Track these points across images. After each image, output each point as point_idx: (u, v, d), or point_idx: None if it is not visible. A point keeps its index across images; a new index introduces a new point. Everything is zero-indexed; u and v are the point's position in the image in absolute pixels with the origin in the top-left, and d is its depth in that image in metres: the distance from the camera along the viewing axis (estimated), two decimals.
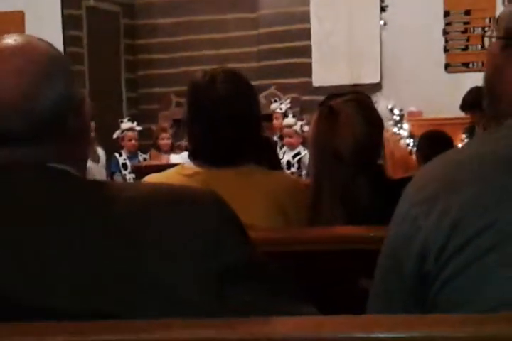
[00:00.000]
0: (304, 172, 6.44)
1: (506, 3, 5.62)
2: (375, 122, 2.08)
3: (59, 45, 7.35)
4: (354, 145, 1.98)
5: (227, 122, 1.81)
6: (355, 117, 2.02)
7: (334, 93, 2.19)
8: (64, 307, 0.92)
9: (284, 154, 6.61)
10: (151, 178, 1.93)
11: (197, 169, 1.85)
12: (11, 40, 1.08)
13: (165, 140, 7.07)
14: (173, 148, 7.06)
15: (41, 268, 0.94)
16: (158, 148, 7.22)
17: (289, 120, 6.77)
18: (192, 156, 1.89)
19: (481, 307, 0.88)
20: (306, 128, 6.70)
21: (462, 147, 1.04)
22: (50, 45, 1.12)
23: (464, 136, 6.05)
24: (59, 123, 1.06)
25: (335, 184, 1.97)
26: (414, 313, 0.96)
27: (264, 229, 1.74)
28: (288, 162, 6.54)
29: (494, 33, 1.08)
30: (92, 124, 5.94)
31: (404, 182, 1.04)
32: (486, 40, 8.23)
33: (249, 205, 1.76)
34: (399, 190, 1.04)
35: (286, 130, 6.71)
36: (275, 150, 3.86)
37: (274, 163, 3.32)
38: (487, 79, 1.11)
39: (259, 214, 1.77)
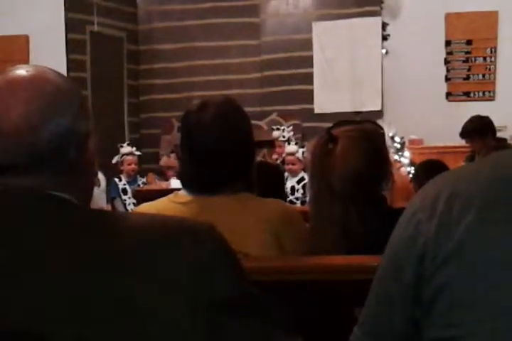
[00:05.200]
0: (308, 197, 6.42)
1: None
2: (374, 154, 2.00)
3: (62, 70, 7.41)
4: (347, 177, 1.94)
5: (215, 150, 1.81)
6: (352, 148, 1.97)
7: (343, 120, 2.13)
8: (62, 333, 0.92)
9: (287, 180, 6.60)
10: (144, 207, 1.91)
11: (190, 197, 1.85)
12: (23, 70, 1.08)
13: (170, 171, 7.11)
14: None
15: (38, 294, 0.95)
16: (165, 178, 7.23)
17: (291, 147, 6.78)
18: (182, 184, 1.89)
19: (480, 312, 0.91)
20: (307, 155, 6.71)
21: (469, 164, 1.10)
22: (63, 77, 1.11)
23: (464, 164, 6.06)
24: (60, 156, 1.06)
25: (332, 214, 1.95)
26: (413, 313, 0.99)
27: (260, 258, 1.73)
28: (292, 187, 6.53)
29: None
30: None
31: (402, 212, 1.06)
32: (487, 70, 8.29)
33: (245, 233, 1.76)
34: (397, 219, 1.06)
35: (288, 157, 6.71)
36: (283, 178, 3.85)
37: (280, 192, 3.30)
38: None
39: (254, 241, 1.76)
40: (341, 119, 2.19)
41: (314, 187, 2.04)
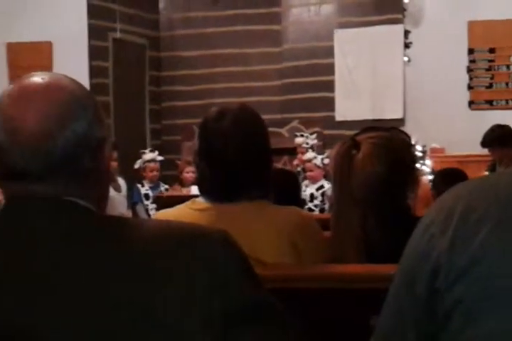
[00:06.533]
0: (327, 205, 6.41)
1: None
2: (396, 162, 1.96)
3: (85, 76, 7.47)
4: (365, 183, 1.92)
5: (232, 157, 1.82)
6: (372, 155, 1.94)
7: (370, 126, 2.11)
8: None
9: (306, 187, 6.59)
10: (162, 214, 1.93)
11: (208, 204, 1.85)
12: (38, 78, 1.08)
13: (190, 173, 7.01)
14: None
15: (55, 301, 0.95)
16: (182, 183, 7.22)
17: (309, 154, 6.78)
18: (200, 191, 1.90)
19: (495, 327, 0.90)
20: (327, 161, 6.70)
21: (487, 176, 1.07)
22: (78, 84, 1.11)
23: (486, 173, 6.02)
24: (75, 163, 1.06)
25: (352, 221, 1.94)
26: (427, 326, 0.97)
27: (276, 266, 1.72)
28: (311, 195, 6.52)
29: None
30: (114, 154, 6.02)
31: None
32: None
33: (261, 240, 1.75)
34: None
35: (307, 164, 6.72)
36: (298, 184, 3.85)
37: (295, 197, 3.30)
38: None
39: (270, 249, 1.76)
40: (369, 126, 2.16)
41: (336, 193, 2.02)
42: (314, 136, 7.70)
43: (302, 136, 7.62)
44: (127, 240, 1.01)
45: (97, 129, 1.09)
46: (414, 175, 2.06)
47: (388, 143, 1.99)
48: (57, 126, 1.04)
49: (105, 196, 1.18)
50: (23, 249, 1.00)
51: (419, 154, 7.25)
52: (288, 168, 7.38)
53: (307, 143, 7.38)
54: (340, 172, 1.98)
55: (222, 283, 0.99)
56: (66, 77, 1.12)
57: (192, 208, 1.85)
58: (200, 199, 1.88)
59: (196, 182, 1.97)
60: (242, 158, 1.82)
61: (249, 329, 0.99)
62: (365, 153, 1.95)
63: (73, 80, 1.12)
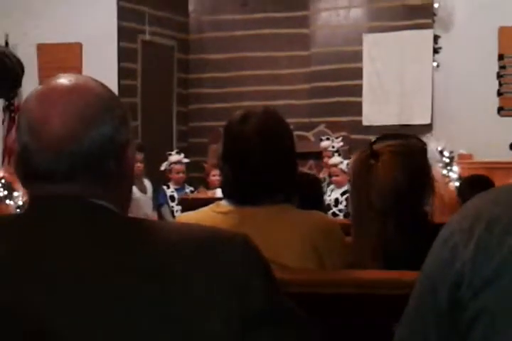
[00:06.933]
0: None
1: None
2: (416, 171, 2.00)
3: (114, 77, 7.53)
4: (386, 193, 1.94)
5: (256, 160, 1.82)
6: (393, 165, 1.96)
7: (386, 134, 2.13)
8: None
9: (331, 191, 6.59)
10: (185, 217, 1.94)
11: (231, 207, 1.85)
12: (65, 80, 1.09)
13: (216, 177, 6.97)
14: None
15: (76, 301, 0.96)
16: (207, 186, 7.22)
17: (335, 159, 6.75)
18: (223, 194, 1.90)
19: None
20: None
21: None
22: (104, 86, 1.12)
23: None
24: (100, 165, 1.07)
25: (370, 231, 1.95)
26: (448, 335, 0.97)
27: (298, 270, 1.72)
28: (336, 199, 6.50)
29: None
30: (140, 156, 6.05)
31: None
32: None
33: (284, 244, 1.76)
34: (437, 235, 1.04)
35: (332, 169, 6.70)
36: (321, 189, 3.85)
37: (318, 202, 3.30)
38: None
39: (292, 253, 1.76)
40: (384, 133, 2.18)
41: (354, 202, 2.05)
42: (340, 139, 7.68)
43: (328, 139, 7.59)
44: (149, 242, 1.02)
45: (123, 131, 1.10)
46: (432, 182, 2.07)
47: (407, 151, 2.01)
48: (83, 127, 1.05)
49: (128, 197, 1.19)
50: (46, 248, 1.01)
51: (447, 160, 7.20)
52: (313, 172, 7.34)
53: (333, 147, 7.35)
54: (359, 182, 2.00)
55: (241, 286, 0.99)
56: (92, 79, 1.13)
57: (215, 211, 1.86)
58: (224, 202, 1.88)
59: (220, 185, 1.98)
60: (265, 161, 1.82)
61: (268, 332, 0.99)
62: (384, 162, 1.96)
63: (99, 82, 1.12)
